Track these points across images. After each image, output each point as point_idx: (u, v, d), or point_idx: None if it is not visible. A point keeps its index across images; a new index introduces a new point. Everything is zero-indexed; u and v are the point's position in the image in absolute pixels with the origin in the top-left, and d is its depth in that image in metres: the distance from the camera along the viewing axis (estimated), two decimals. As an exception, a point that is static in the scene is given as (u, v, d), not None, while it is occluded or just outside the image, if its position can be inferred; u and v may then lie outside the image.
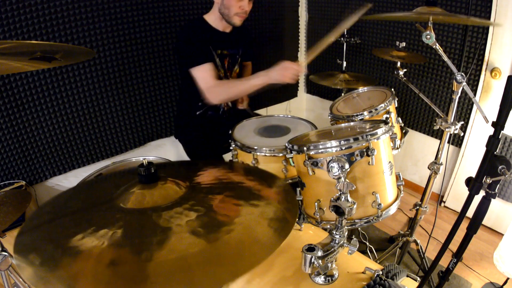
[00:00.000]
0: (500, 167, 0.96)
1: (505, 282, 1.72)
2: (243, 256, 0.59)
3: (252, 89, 1.61)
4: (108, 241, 0.60)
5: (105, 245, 0.59)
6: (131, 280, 0.54)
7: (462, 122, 1.83)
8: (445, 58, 1.22)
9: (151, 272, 0.55)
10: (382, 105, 1.41)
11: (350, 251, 0.96)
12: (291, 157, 1.09)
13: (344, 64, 2.25)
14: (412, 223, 1.87)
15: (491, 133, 0.97)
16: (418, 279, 1.31)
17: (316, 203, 1.06)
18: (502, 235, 1.67)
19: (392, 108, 1.46)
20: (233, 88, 1.66)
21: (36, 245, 0.63)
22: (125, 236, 0.62)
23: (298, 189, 1.14)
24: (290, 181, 1.36)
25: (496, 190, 1.00)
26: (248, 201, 0.75)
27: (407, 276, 1.17)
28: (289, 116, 1.72)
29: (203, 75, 1.65)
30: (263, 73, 1.59)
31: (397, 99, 1.50)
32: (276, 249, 0.60)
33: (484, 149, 0.99)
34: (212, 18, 1.77)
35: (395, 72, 1.78)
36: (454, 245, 1.15)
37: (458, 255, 1.13)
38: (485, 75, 2.08)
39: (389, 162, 1.06)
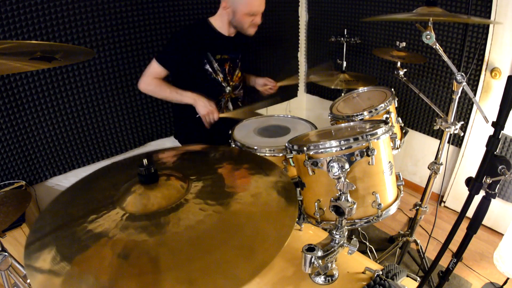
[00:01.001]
0: (500, 167, 0.96)
1: (505, 282, 1.72)
2: (257, 252, 0.60)
3: (177, 101, 1.71)
4: (118, 234, 0.61)
5: (115, 237, 0.60)
6: (145, 268, 0.55)
7: (462, 122, 1.83)
8: (445, 58, 1.22)
9: (164, 260, 0.56)
10: (382, 105, 1.41)
11: (350, 251, 0.96)
12: (291, 157, 1.09)
13: (344, 64, 2.25)
14: (412, 223, 1.87)
15: (491, 133, 0.97)
16: (418, 279, 1.31)
17: (316, 203, 1.06)
18: (502, 235, 1.67)
19: (392, 108, 1.46)
20: (162, 93, 1.73)
21: (46, 244, 0.63)
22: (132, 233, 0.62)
23: (298, 189, 1.13)
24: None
25: (496, 190, 1.00)
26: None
27: (407, 276, 1.17)
28: (289, 116, 1.72)
29: (151, 70, 1.70)
30: (194, 96, 1.66)
31: (397, 99, 1.50)
32: (286, 242, 0.60)
33: (484, 149, 0.99)
34: (218, 22, 1.76)
35: (395, 72, 1.78)
36: (454, 245, 1.15)
37: (458, 255, 1.13)
38: (485, 75, 2.08)
39: (389, 162, 1.06)
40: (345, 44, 2.30)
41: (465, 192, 1.06)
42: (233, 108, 1.99)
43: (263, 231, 0.62)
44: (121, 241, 0.60)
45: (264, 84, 2.00)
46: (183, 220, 0.62)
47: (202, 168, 0.78)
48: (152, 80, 1.72)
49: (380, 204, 1.02)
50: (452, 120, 1.46)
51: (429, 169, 1.62)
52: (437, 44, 1.22)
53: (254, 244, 0.59)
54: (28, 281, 1.21)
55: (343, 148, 0.97)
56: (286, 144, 1.11)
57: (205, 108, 1.65)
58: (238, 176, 0.78)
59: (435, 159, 1.61)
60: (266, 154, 1.35)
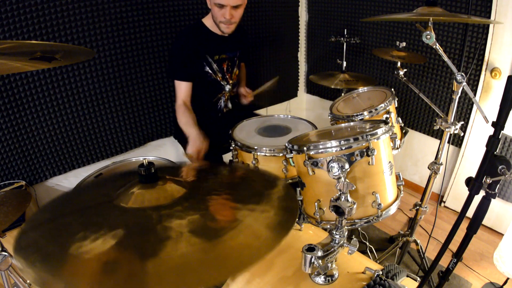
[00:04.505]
0: (500, 167, 0.96)
1: (505, 282, 1.72)
2: (242, 255, 0.59)
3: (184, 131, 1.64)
4: (108, 242, 0.60)
5: (105, 246, 0.59)
6: (131, 280, 0.54)
7: (462, 122, 1.83)
8: (445, 58, 1.22)
9: (152, 272, 0.55)
10: (382, 105, 1.41)
11: (350, 251, 0.96)
12: (291, 157, 1.09)
13: (344, 64, 2.25)
14: (412, 223, 1.88)
15: (491, 133, 0.97)
16: (418, 279, 1.32)
17: (316, 203, 1.06)
18: (502, 235, 1.67)
19: (392, 108, 1.47)
20: (181, 121, 1.69)
21: (36, 246, 0.63)
22: (126, 237, 0.62)
23: (298, 189, 1.14)
24: (290, 181, 1.36)
25: (496, 190, 1.00)
26: (247, 203, 0.75)
27: (407, 276, 1.18)
28: (289, 116, 1.72)
29: (178, 91, 1.74)
30: (193, 135, 1.55)
31: (397, 99, 1.50)
32: (274, 248, 0.59)
33: (484, 149, 0.99)
34: (210, 22, 1.77)
35: (395, 72, 1.78)
36: (454, 245, 1.15)
37: (458, 255, 1.13)
38: (485, 75, 2.08)
39: (389, 162, 1.06)
40: (345, 44, 2.30)
41: (465, 192, 1.06)
42: (232, 106, 1.99)
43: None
44: (107, 255, 0.59)
45: (243, 94, 2.01)
46: (172, 249, 0.60)
47: (194, 201, 0.75)
48: (179, 106, 1.72)
49: (380, 204, 1.02)
50: (452, 120, 1.46)
51: (429, 169, 1.62)
52: (437, 44, 1.22)
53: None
54: (28, 281, 1.21)
55: (343, 148, 0.97)
56: (286, 144, 1.11)
57: (194, 146, 1.51)
58: (231, 210, 0.75)
59: (435, 159, 1.61)
60: (266, 154, 1.35)
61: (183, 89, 1.72)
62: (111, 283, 0.54)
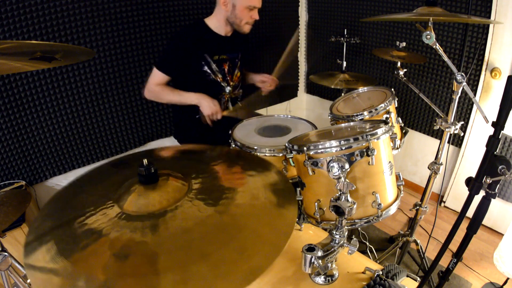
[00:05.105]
0: (500, 167, 0.96)
1: (505, 282, 1.72)
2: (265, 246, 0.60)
3: (180, 103, 1.76)
4: (115, 233, 0.60)
5: (114, 235, 0.60)
6: (142, 269, 0.55)
7: (462, 122, 1.83)
8: (445, 58, 1.22)
9: (162, 261, 0.56)
10: (382, 105, 1.41)
11: (350, 251, 0.96)
12: (291, 157, 1.09)
13: (344, 64, 2.25)
14: (412, 223, 1.88)
15: (491, 133, 0.97)
16: (418, 279, 1.32)
17: (316, 203, 1.06)
18: (502, 235, 1.67)
19: (392, 108, 1.46)
20: (166, 97, 1.78)
21: (45, 242, 0.63)
22: (131, 239, 0.62)
23: (298, 189, 1.13)
24: (290, 181, 1.35)
25: (496, 190, 1.00)
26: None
27: (407, 276, 1.17)
28: (289, 116, 1.72)
29: (153, 78, 1.74)
30: (198, 96, 1.71)
31: (397, 99, 1.50)
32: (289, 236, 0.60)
33: (484, 149, 0.99)
34: (214, 22, 1.76)
35: (395, 72, 1.78)
36: (454, 245, 1.15)
37: (458, 255, 1.13)
38: (485, 75, 2.08)
39: (389, 162, 1.06)
40: (345, 44, 2.30)
41: (465, 192, 1.06)
42: (233, 107, 1.99)
43: (261, 234, 0.62)
44: (119, 241, 0.60)
45: (261, 81, 1.99)
46: (180, 222, 0.62)
47: (198, 169, 0.78)
48: (155, 86, 1.75)
49: (380, 204, 1.02)
50: (452, 120, 1.46)
51: (429, 169, 1.62)
52: (437, 44, 1.22)
53: (252, 248, 0.59)
54: (28, 281, 1.21)
55: (343, 148, 0.97)
56: (286, 144, 1.11)
57: (209, 108, 1.68)
58: (235, 177, 0.77)
59: (435, 159, 1.61)
60: (266, 154, 1.35)
61: (159, 77, 1.73)
62: (122, 272, 0.55)
